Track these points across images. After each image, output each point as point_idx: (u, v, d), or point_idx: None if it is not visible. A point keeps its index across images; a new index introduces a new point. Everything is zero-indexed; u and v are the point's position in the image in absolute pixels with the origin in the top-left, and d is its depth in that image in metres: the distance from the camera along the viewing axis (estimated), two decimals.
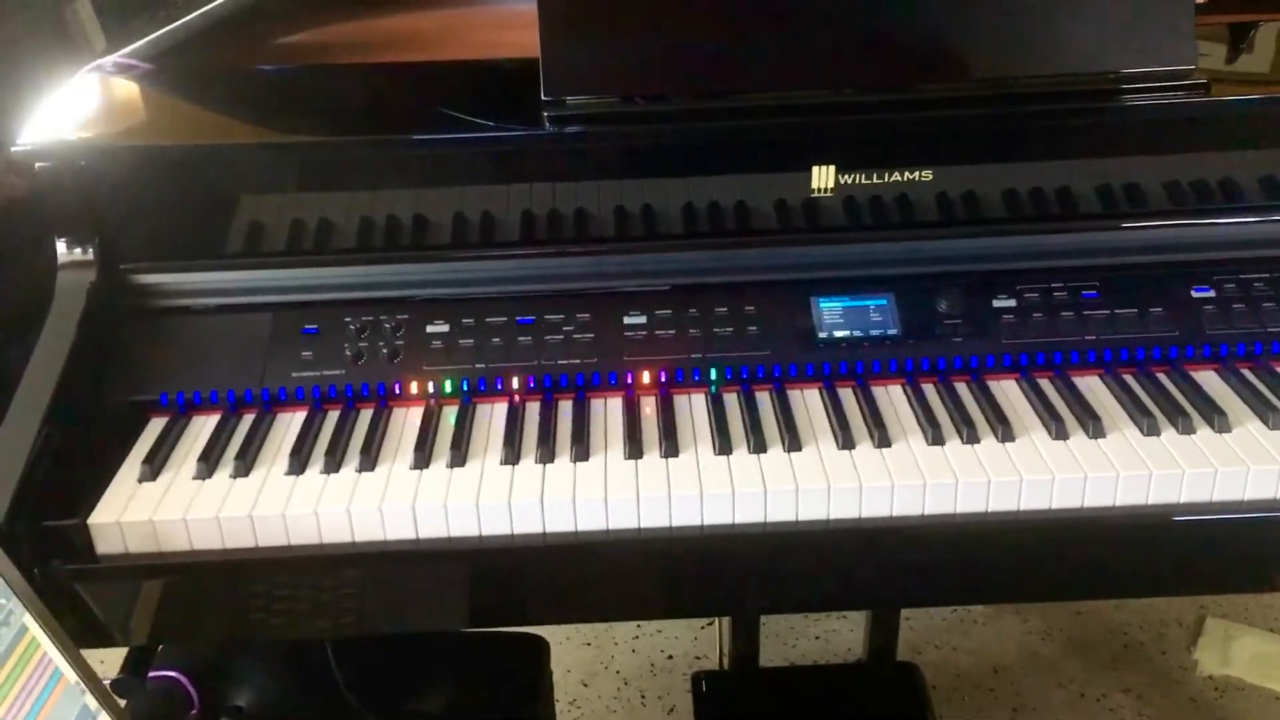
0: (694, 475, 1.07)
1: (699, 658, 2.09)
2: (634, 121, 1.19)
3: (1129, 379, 1.16)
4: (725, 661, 1.91)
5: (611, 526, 1.06)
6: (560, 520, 1.05)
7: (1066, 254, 1.23)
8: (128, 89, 1.29)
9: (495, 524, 1.06)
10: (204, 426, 1.16)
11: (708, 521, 1.06)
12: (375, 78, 1.35)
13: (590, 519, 1.05)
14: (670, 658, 2.10)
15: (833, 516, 1.06)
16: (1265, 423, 1.10)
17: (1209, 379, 1.17)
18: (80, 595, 1.06)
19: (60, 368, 1.12)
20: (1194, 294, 1.21)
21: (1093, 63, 1.19)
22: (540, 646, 1.29)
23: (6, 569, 0.98)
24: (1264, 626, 2.11)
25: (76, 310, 1.17)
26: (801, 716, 1.77)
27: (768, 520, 1.06)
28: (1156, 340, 1.18)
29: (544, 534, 1.06)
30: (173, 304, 1.22)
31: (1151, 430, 1.09)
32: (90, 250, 1.20)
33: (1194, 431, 1.09)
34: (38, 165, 1.17)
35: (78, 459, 1.10)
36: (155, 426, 1.16)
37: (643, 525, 1.06)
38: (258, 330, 1.21)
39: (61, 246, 1.20)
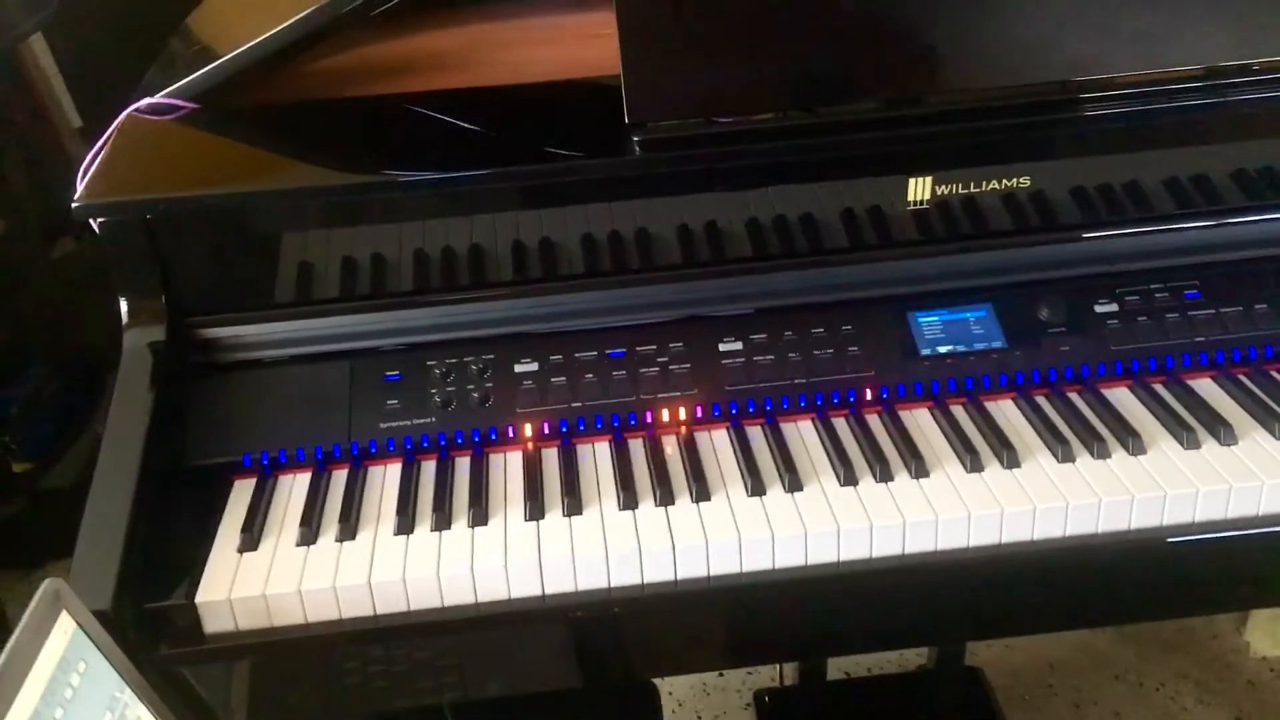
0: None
1: (750, 673, 2.05)
2: (724, 143, 1.14)
3: (1243, 378, 1.14)
4: (784, 677, 1.88)
5: (744, 569, 1.02)
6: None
7: (1167, 253, 1.20)
8: (179, 132, 1.22)
9: (626, 574, 1.01)
10: (295, 486, 1.10)
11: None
12: (433, 106, 1.28)
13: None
14: (721, 675, 2.06)
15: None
16: None
17: None
18: (186, 680, 0.99)
19: (143, 436, 1.05)
20: None
21: (1192, 58, 1.16)
22: (653, 693, 1.25)
23: (117, 658, 0.92)
24: None
25: (146, 372, 1.11)
26: None
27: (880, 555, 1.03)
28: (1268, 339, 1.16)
29: (675, 580, 1.02)
30: (244, 358, 1.16)
31: None
32: (156, 306, 1.13)
33: None
34: (98, 221, 1.10)
35: (170, 533, 1.03)
36: (243, 490, 1.10)
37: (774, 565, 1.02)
38: (336, 380, 1.15)
39: (125, 304, 1.13)
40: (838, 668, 2.03)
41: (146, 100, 1.25)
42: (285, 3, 1.43)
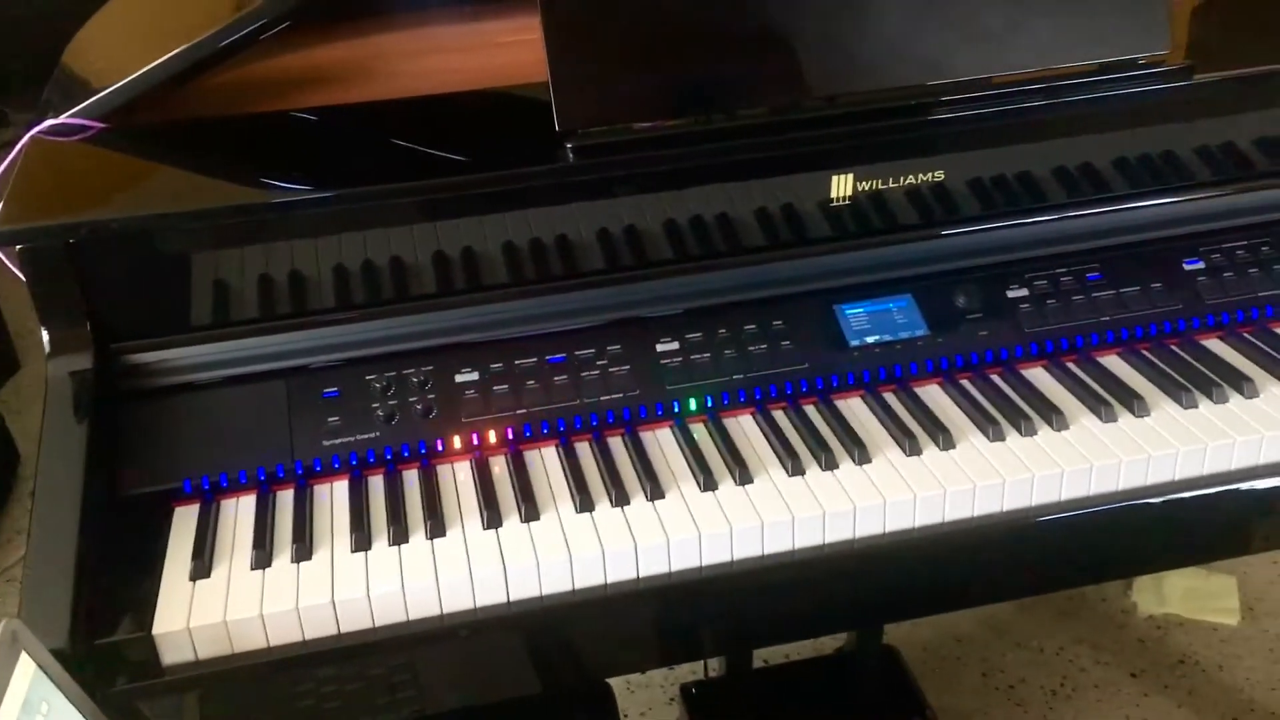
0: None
1: (671, 668, 2.08)
2: (654, 147, 1.16)
3: (1146, 353, 1.22)
4: (708, 669, 1.91)
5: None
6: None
7: (1068, 239, 1.27)
8: (90, 153, 1.18)
9: (589, 576, 1.02)
10: (240, 509, 1.08)
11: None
12: (353, 119, 1.27)
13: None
14: (643, 673, 2.08)
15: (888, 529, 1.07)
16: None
17: (1216, 345, 1.23)
18: (143, 714, 0.97)
19: (81, 466, 1.02)
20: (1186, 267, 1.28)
21: (1076, 56, 1.23)
22: (609, 695, 1.26)
23: (77, 696, 0.90)
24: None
25: (75, 402, 1.07)
26: (798, 713, 1.79)
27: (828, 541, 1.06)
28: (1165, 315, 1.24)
29: (637, 579, 1.03)
30: (176, 381, 1.13)
31: (1190, 403, 1.14)
32: (81, 333, 1.09)
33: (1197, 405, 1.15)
34: (18, 248, 1.06)
35: (115, 565, 1.00)
36: (185, 516, 1.07)
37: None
38: (274, 400, 1.13)
39: (47, 332, 1.09)
40: (757, 656, 2.07)
41: (50, 122, 1.21)
42: (177, 19, 1.40)
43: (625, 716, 2.00)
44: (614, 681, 1.99)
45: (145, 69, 1.20)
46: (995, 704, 1.98)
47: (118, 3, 1.60)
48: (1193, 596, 2.17)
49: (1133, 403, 1.14)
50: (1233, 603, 2.16)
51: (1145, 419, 1.13)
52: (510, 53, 1.43)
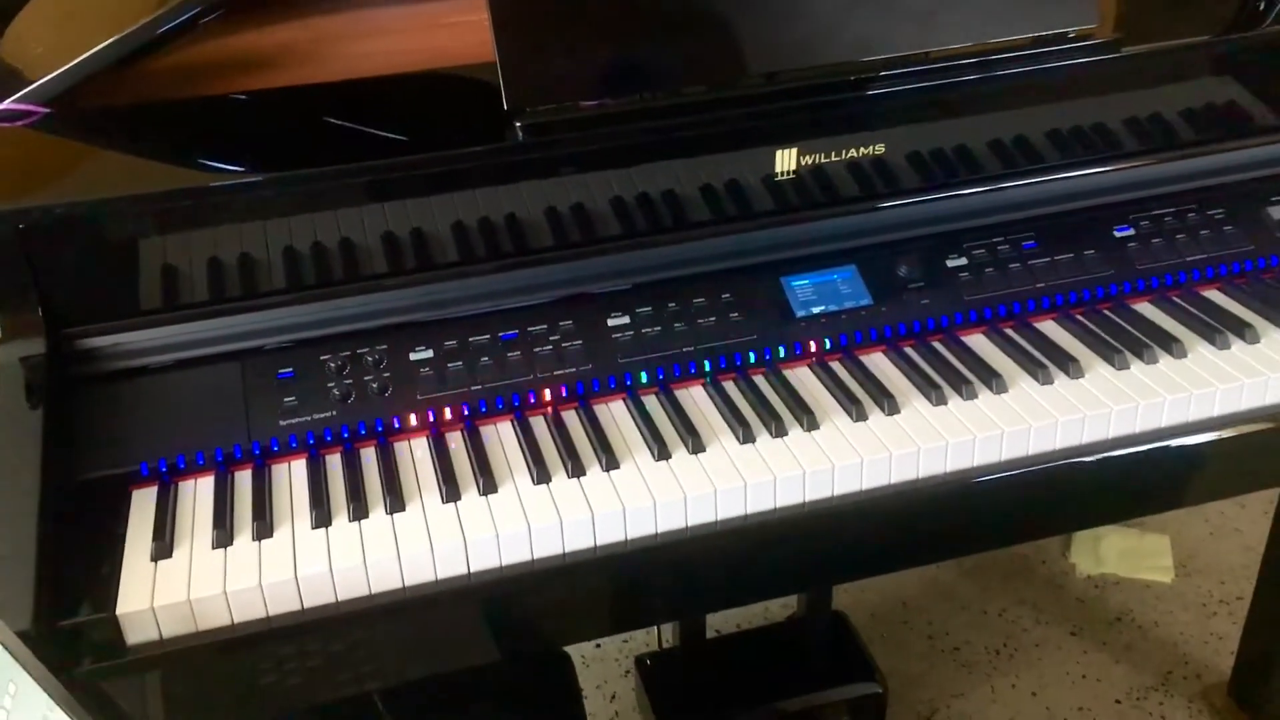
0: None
1: (625, 639, 2.11)
2: (601, 125, 1.18)
3: (1080, 317, 1.26)
4: (662, 640, 1.94)
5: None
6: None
7: (1004, 209, 1.31)
8: (34, 138, 1.18)
9: (547, 545, 1.05)
10: (199, 490, 1.09)
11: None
12: (300, 101, 1.28)
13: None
14: (598, 646, 2.11)
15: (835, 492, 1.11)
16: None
17: (1146, 309, 1.28)
18: (109, 695, 0.98)
19: (38, 453, 1.02)
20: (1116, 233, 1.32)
21: (1009, 30, 1.26)
22: (567, 662, 1.29)
23: (43, 677, 0.90)
24: (1122, 524, 2.32)
25: (31, 387, 1.07)
26: (751, 680, 1.82)
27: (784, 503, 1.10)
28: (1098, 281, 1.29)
29: (594, 547, 1.06)
30: (129, 365, 1.13)
31: (1122, 365, 1.19)
32: (33, 319, 1.09)
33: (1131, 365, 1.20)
34: None
35: (75, 548, 1.01)
36: (144, 498, 1.08)
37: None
38: (229, 381, 1.14)
39: None
40: (710, 626, 2.11)
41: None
42: (116, 2, 1.39)
43: (582, 691, 2.02)
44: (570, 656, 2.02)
45: (86, 54, 1.19)
46: (942, 665, 2.04)
47: None
48: (1128, 556, 2.24)
49: (1068, 365, 1.18)
50: (1166, 561, 2.24)
51: (1080, 380, 1.18)
52: (455, 34, 1.44)
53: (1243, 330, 1.22)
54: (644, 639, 2.08)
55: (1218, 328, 1.22)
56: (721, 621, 2.12)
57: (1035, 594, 2.18)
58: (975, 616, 2.14)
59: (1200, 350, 1.21)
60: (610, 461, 1.09)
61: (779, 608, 2.14)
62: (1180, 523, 2.34)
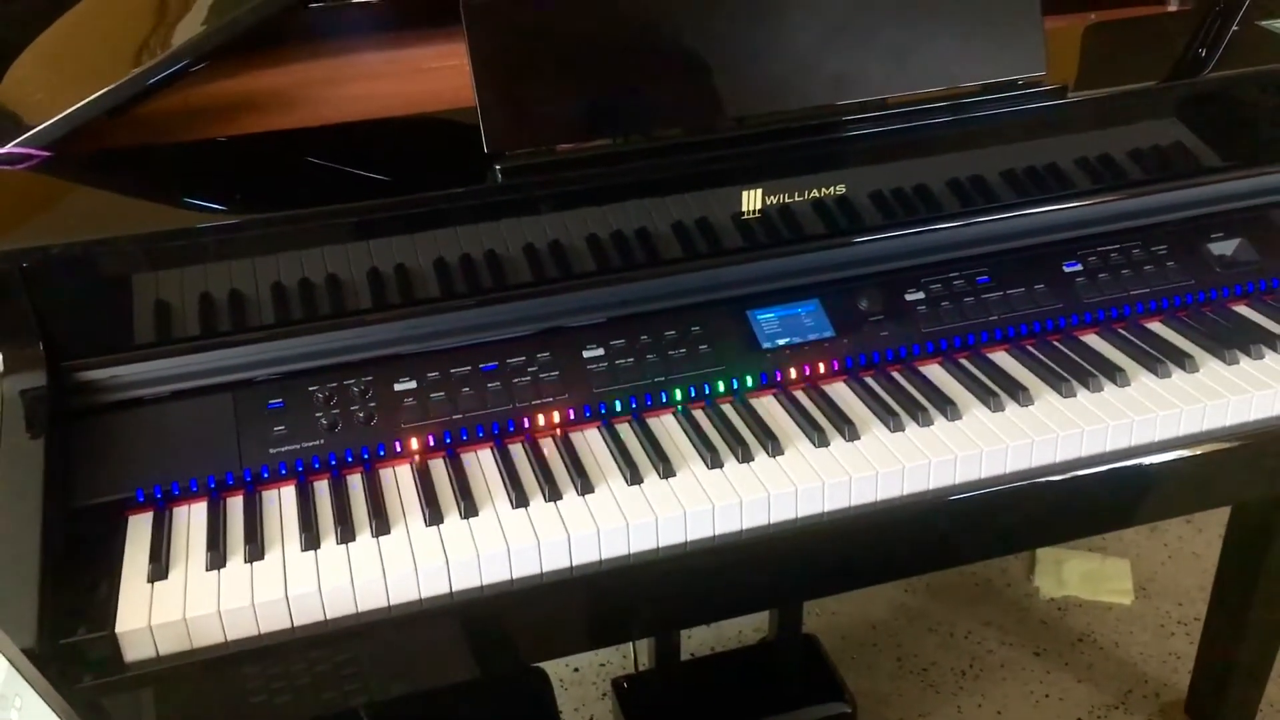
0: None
1: (603, 663, 2.16)
2: (577, 167, 1.25)
3: (1030, 349, 1.33)
4: (638, 663, 1.99)
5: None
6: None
7: (959, 245, 1.39)
8: (36, 180, 1.24)
9: (525, 565, 1.10)
10: (192, 515, 1.14)
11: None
12: (288, 144, 1.34)
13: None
14: (576, 670, 2.16)
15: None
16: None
17: (1093, 340, 1.35)
18: (106, 708, 1.02)
19: (40, 480, 1.07)
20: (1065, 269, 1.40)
21: (962, 77, 1.34)
22: (544, 678, 1.34)
23: (48, 693, 0.95)
24: (1084, 548, 2.39)
25: (32, 418, 1.12)
26: (725, 701, 1.88)
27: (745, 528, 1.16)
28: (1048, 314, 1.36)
29: (570, 567, 1.12)
30: (126, 396, 1.18)
31: (1069, 393, 1.26)
32: (34, 353, 1.14)
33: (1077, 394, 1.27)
34: None
35: (75, 570, 1.06)
36: (140, 523, 1.13)
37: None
38: (221, 411, 1.19)
39: (1, 353, 1.14)
40: (685, 648, 2.16)
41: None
42: (109, 50, 1.45)
43: (560, 714, 2.07)
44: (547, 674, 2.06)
45: (82, 102, 1.25)
46: (910, 686, 2.10)
47: (47, 37, 1.64)
48: (1090, 579, 2.31)
49: (1018, 393, 1.25)
50: (1126, 584, 2.31)
51: (1030, 408, 1.24)
52: (436, 79, 1.51)
53: (1183, 360, 1.30)
54: (620, 662, 2.13)
55: (1159, 358, 1.30)
56: (696, 644, 2.18)
57: (1000, 616, 2.25)
58: (943, 638, 2.20)
59: (1143, 379, 1.28)
60: (585, 486, 1.15)
61: (752, 631, 2.19)
62: (1140, 547, 2.41)
